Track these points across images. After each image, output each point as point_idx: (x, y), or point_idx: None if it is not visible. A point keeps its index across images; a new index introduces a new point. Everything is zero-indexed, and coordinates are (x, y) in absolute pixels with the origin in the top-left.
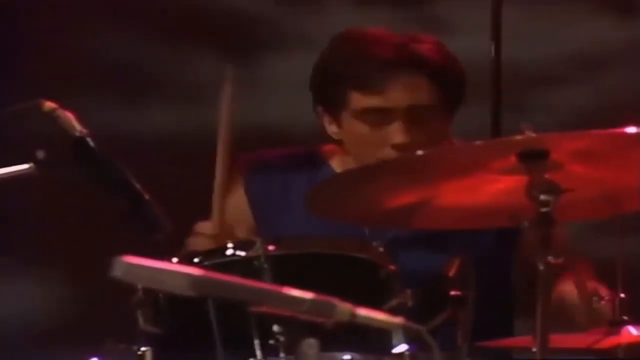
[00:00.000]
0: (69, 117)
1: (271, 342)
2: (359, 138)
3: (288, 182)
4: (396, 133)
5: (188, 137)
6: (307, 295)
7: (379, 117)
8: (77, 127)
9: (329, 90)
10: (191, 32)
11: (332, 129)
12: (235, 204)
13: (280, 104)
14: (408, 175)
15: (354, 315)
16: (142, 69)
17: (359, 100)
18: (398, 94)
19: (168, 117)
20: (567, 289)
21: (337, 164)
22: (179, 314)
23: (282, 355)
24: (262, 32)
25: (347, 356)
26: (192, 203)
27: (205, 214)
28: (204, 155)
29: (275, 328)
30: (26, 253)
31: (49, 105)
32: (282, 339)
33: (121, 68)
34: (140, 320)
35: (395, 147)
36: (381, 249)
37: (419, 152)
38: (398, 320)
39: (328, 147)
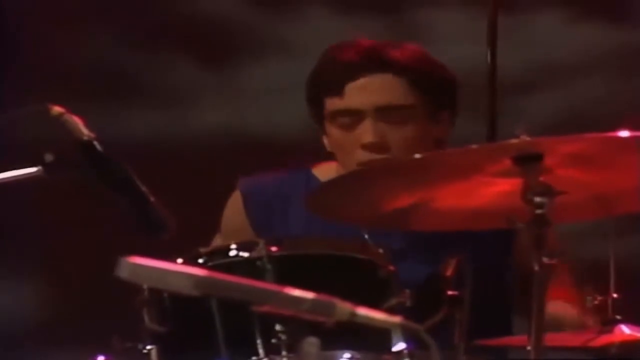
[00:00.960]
0: (77, 121)
1: (273, 340)
2: (336, 143)
3: (284, 200)
4: (364, 133)
5: (167, 141)
6: (308, 295)
7: (350, 119)
8: (85, 131)
9: (311, 102)
10: (171, 39)
11: (324, 141)
12: (237, 225)
13: (259, 110)
14: (406, 178)
15: (353, 314)
16: (123, 75)
17: (330, 104)
18: (363, 95)
19: (148, 122)
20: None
21: (322, 176)
22: (183, 313)
23: (284, 353)
24: (241, 38)
25: (347, 354)
26: (174, 206)
27: (187, 216)
28: (183, 159)
29: (277, 327)
30: (22, 254)
31: (57, 109)
32: (284, 337)
33: (101, 74)
34: (146, 319)
35: (365, 147)
36: (380, 250)
37: (417, 156)
38: (397, 319)
39: (319, 162)
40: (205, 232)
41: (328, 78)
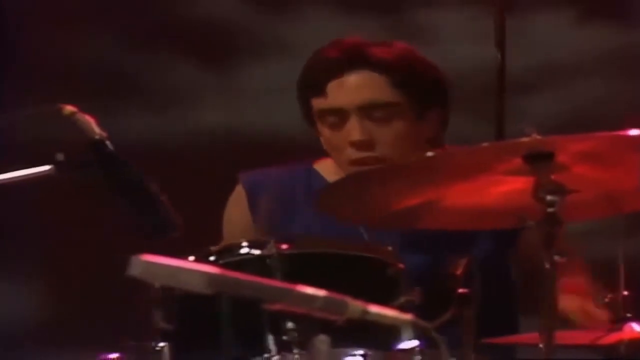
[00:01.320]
0: (88, 120)
1: (284, 338)
2: (327, 142)
3: (287, 194)
4: (351, 131)
5: (167, 142)
6: (321, 292)
7: (336, 118)
8: (96, 130)
9: (301, 102)
10: (171, 39)
11: (321, 139)
12: (240, 220)
13: (259, 110)
14: (415, 177)
15: (365, 312)
16: (122, 75)
17: (317, 104)
18: (345, 93)
19: (147, 122)
20: (567, 304)
21: (324, 171)
22: (193, 310)
23: (295, 351)
24: (241, 39)
25: (360, 351)
26: (174, 207)
27: (186, 217)
28: (183, 159)
29: (289, 325)
30: (22, 254)
31: (69, 108)
32: (295, 335)
33: (101, 74)
34: (156, 317)
35: (353, 145)
36: (390, 249)
37: (429, 154)
38: (408, 317)
39: (320, 158)
40: (206, 232)
41: (312, 77)
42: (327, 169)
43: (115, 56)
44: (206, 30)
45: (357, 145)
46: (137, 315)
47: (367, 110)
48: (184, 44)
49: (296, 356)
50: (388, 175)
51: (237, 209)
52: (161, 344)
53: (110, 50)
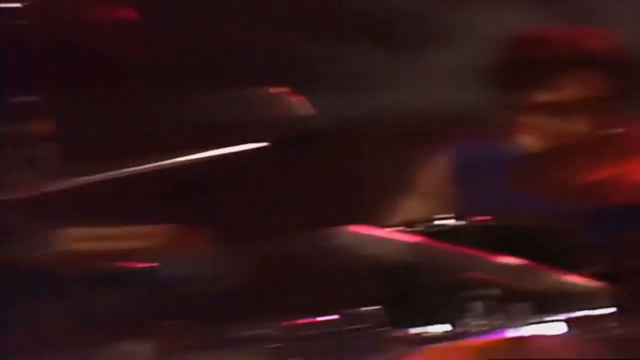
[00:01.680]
0: (298, 100)
1: (489, 303)
2: (539, 130)
3: (491, 166)
4: (571, 124)
5: (354, 124)
6: (518, 262)
7: (554, 110)
8: (306, 109)
9: (509, 86)
10: (355, 27)
11: (517, 119)
12: (440, 177)
13: (443, 91)
14: (601, 153)
15: (560, 281)
16: (315, 63)
17: (535, 96)
18: (569, 90)
19: (333, 107)
20: None
21: (527, 145)
22: (401, 277)
23: (498, 316)
24: (424, 24)
25: (561, 316)
26: (360, 186)
27: (379, 194)
28: (370, 140)
29: (493, 291)
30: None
31: (279, 89)
32: (498, 301)
33: (294, 62)
34: (366, 284)
35: (573, 137)
36: (578, 221)
37: (613, 130)
38: (603, 285)
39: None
40: (396, 207)
41: (533, 71)
42: (528, 147)
43: (304, 44)
44: (397, 21)
45: (579, 137)
46: (341, 282)
47: (583, 104)
48: (370, 31)
49: (499, 322)
50: (577, 152)
51: (438, 177)
52: (374, 308)
53: (297, 39)
